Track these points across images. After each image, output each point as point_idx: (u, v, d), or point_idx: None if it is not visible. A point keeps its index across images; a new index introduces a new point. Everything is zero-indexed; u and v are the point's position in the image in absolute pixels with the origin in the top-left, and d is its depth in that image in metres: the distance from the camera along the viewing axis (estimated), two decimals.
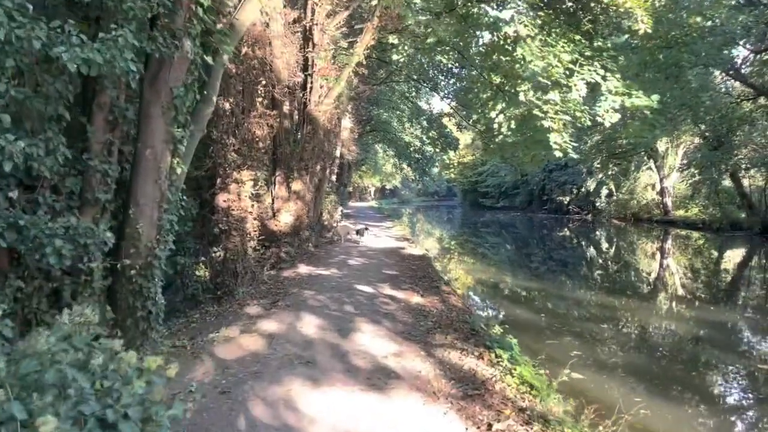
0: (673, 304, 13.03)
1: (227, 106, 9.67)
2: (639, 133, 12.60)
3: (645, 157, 36.80)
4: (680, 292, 14.52)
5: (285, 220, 14.79)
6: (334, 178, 26.37)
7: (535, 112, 10.93)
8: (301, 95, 15.46)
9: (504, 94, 18.40)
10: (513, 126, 19.84)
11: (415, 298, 9.07)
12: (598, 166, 40.11)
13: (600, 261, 21.43)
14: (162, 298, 6.16)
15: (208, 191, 10.10)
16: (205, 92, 6.99)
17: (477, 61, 19.10)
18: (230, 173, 9.76)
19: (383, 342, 6.51)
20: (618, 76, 11.95)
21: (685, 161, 35.82)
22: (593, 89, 11.83)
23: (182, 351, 6.25)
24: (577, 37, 12.96)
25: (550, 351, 7.68)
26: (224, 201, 9.79)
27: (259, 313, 8.60)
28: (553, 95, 11.04)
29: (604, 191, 42.02)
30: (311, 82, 15.23)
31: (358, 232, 19.89)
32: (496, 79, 18.71)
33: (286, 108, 15.45)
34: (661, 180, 35.05)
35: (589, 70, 11.45)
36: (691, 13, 13.40)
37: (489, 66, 18.56)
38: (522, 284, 15.19)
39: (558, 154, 10.58)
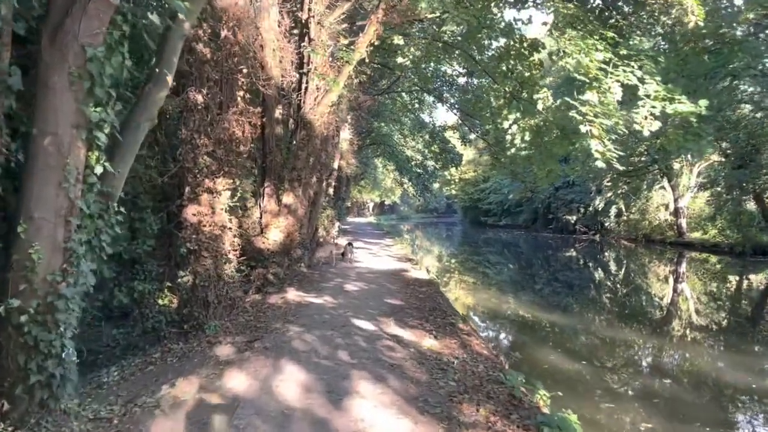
0: (731, 347, 11.13)
1: (199, 98, 7.89)
2: (683, 144, 10.88)
3: (659, 176, 35.11)
4: (730, 330, 12.63)
5: (274, 237, 12.99)
6: (331, 191, 24.58)
7: (572, 114, 9.18)
8: (294, 96, 13.75)
9: (518, 103, 16.78)
10: (527, 138, 18.23)
11: (428, 341, 7.22)
12: (608, 184, 38.45)
13: (622, 288, 19.54)
14: (73, 355, 4.28)
15: (175, 202, 8.30)
16: (157, 70, 5.22)
17: (490, 66, 17.44)
18: (201, 181, 7.95)
19: (390, 416, 4.65)
20: (658, 78, 10.27)
21: (700, 180, 34.16)
22: (630, 94, 10.22)
23: (104, 428, 4.39)
24: (610, 34, 11.33)
25: (610, 422, 5.83)
26: (193, 215, 7.98)
27: (230, 357, 6.78)
28: (591, 95, 9.32)
29: (613, 210, 40.27)
30: (306, 82, 13.52)
31: (343, 254, 17.85)
32: (510, 87, 17.12)
33: (278, 112, 13.78)
34: (675, 200, 33.30)
35: (624, 71, 9.81)
36: (751, 6, 11.77)
37: (502, 72, 16.96)
38: (542, 317, 13.21)
39: (600, 164, 8.81)
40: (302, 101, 13.56)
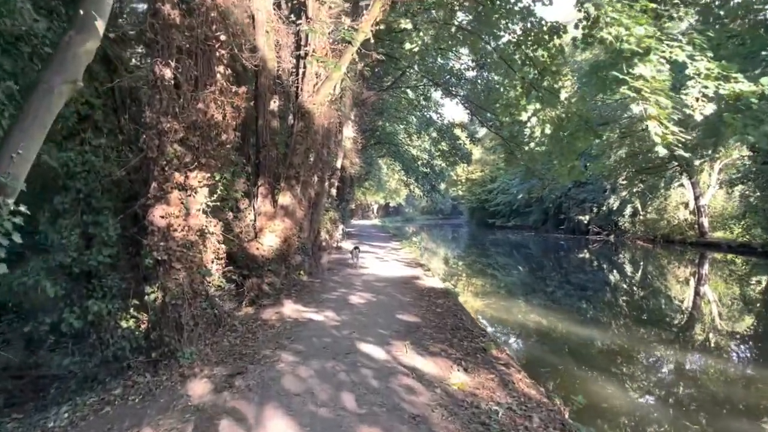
0: None
1: (167, 72, 6.35)
2: (742, 131, 9.31)
3: (677, 173, 33.44)
4: None
5: (269, 242, 11.48)
6: (334, 192, 23.05)
7: (624, 90, 7.60)
8: (291, 83, 12.24)
9: (538, 92, 15.23)
10: (548, 130, 16.73)
11: (456, 376, 5.63)
12: (623, 182, 36.75)
13: (649, 292, 17.82)
14: None
15: (139, 202, 6.75)
16: (81, 11, 3.69)
17: (506, 53, 15.89)
18: (170, 175, 6.40)
19: None
20: (710, 54, 8.71)
21: (721, 177, 32.51)
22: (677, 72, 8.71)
23: None
24: (651, 5, 9.76)
25: None
26: (161, 217, 6.42)
27: (203, 400, 5.26)
28: (644, 69, 7.74)
29: (629, 210, 38.54)
30: (304, 67, 11.99)
31: (351, 252, 17.23)
32: (529, 75, 15.61)
33: (273, 103, 12.28)
34: (696, 198, 31.56)
35: (670, 45, 8.28)
36: None
37: (520, 59, 15.44)
38: (573, 330, 11.36)
39: (661, 150, 7.26)
40: (299, 88, 12.05)
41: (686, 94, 8.07)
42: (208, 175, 6.83)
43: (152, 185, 6.42)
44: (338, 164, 22.64)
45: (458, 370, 5.77)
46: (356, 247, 17.42)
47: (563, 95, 15.27)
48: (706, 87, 8.08)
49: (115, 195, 6.88)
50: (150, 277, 6.74)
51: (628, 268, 25.03)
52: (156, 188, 6.41)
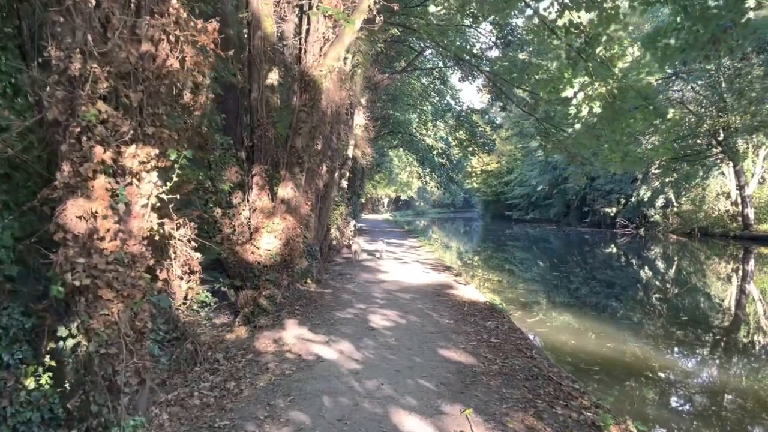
0: None
1: None
2: None
3: (717, 161, 30.68)
4: None
5: (267, 245, 9.08)
6: (345, 183, 20.55)
7: None
8: (293, 44, 9.80)
9: (587, 63, 12.63)
10: (596, 109, 14.15)
11: None
12: (656, 172, 34.03)
13: (726, 301, 15.17)
14: None
15: (40, 194, 4.29)
16: None
17: (548, 18, 13.26)
18: (90, 150, 3.95)
19: None
20: None
21: (765, 165, 29.76)
22: None
23: None
24: None
25: None
26: (80, 217, 3.99)
27: None
28: None
29: (660, 201, 35.78)
30: (308, 23, 9.52)
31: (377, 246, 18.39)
32: (575, 42, 13.02)
33: (272, 75, 9.88)
34: (741, 187, 28.79)
35: None
36: None
37: (564, 27, 12.82)
38: (680, 366, 8.81)
39: None
40: (303, 51, 9.57)
41: None
42: (154, 150, 4.35)
43: (63, 167, 3.97)
44: (349, 153, 20.19)
45: None
46: (382, 241, 18.72)
47: (618, 66, 12.80)
48: None
49: (15, 184, 4.45)
50: (65, 313, 4.33)
51: (682, 266, 22.16)
52: (69, 172, 3.96)
